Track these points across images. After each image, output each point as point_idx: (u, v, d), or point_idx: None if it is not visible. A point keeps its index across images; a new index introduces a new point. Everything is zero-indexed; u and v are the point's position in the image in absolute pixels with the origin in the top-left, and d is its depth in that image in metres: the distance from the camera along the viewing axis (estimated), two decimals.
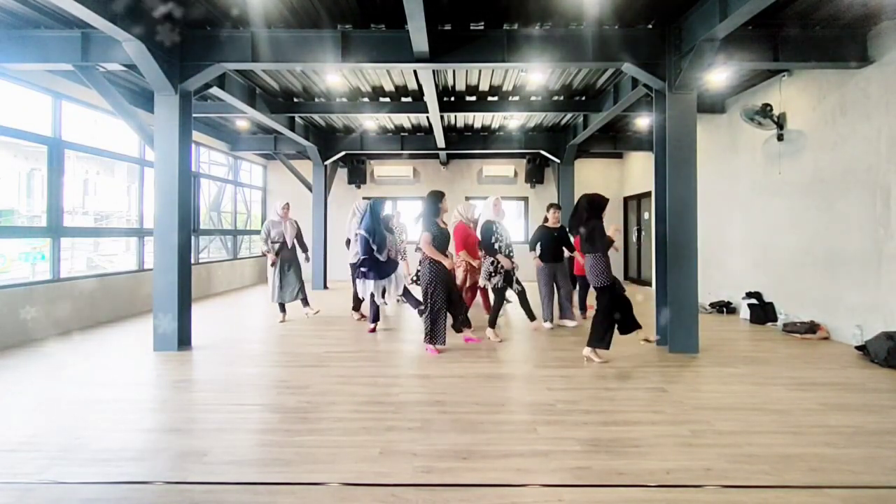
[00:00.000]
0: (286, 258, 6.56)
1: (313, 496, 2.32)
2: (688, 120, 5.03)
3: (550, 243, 6.17)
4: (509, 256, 5.52)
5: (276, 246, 6.50)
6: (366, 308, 6.63)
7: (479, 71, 6.56)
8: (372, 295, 5.70)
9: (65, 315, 6.03)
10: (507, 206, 10.57)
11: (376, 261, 5.56)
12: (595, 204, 4.56)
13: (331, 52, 5.12)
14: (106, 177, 11.77)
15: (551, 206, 6.40)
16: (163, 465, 2.63)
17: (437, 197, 5.04)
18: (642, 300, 8.64)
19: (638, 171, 11.48)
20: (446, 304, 4.96)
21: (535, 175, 12.05)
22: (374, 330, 5.94)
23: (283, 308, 6.65)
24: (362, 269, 5.57)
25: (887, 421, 3.25)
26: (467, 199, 12.35)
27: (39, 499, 2.30)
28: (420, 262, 5.23)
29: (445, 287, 4.93)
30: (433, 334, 4.92)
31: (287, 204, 6.70)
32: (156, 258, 5.12)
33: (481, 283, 5.72)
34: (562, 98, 7.75)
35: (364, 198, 12.25)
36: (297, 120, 8.95)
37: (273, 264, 6.48)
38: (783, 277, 6.54)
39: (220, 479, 2.46)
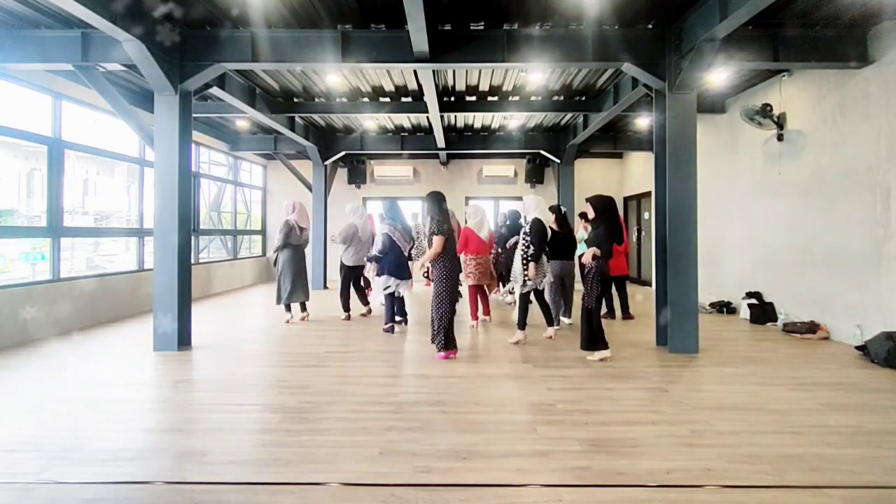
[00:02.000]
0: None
1: (313, 496, 2.32)
2: (688, 120, 5.03)
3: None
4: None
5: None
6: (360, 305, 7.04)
7: (479, 71, 6.56)
8: (392, 294, 5.90)
9: (65, 315, 6.02)
10: (506, 206, 10.62)
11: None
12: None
13: (331, 52, 5.12)
14: (106, 177, 11.75)
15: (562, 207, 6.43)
16: (163, 465, 2.63)
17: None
18: (642, 300, 8.64)
19: (638, 171, 11.49)
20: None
21: (535, 175, 12.04)
22: (392, 329, 6.01)
23: (304, 307, 6.67)
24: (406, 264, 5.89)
25: (887, 421, 3.26)
26: (468, 199, 12.35)
27: (39, 499, 2.30)
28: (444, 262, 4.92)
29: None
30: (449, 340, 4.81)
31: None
32: (156, 258, 5.12)
33: (524, 288, 5.41)
34: (562, 98, 7.75)
35: (364, 198, 12.33)
36: (297, 120, 8.95)
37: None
38: (783, 277, 6.54)
39: (220, 479, 2.46)
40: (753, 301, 6.80)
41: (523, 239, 5.36)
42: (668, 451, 2.77)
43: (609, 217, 4.64)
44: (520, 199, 12.43)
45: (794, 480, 2.46)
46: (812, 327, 5.74)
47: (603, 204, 4.67)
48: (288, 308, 6.53)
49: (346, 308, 6.88)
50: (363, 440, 2.92)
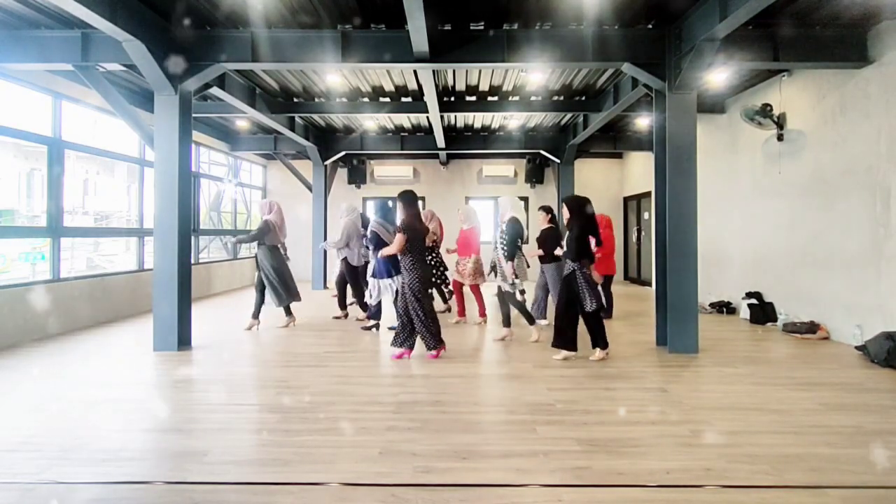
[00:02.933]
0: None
1: (313, 496, 2.32)
2: (688, 120, 5.03)
3: None
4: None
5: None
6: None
7: (479, 71, 6.56)
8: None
9: (65, 315, 6.03)
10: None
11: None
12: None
13: (331, 52, 5.12)
14: (106, 177, 11.76)
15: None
16: (163, 465, 2.63)
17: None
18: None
19: (638, 171, 11.49)
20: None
21: (535, 175, 12.05)
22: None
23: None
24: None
25: (887, 421, 3.26)
26: (468, 199, 12.35)
27: (39, 499, 2.30)
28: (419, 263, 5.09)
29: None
30: (437, 339, 4.76)
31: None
32: (156, 258, 5.12)
33: (513, 287, 5.43)
34: (562, 98, 7.75)
35: (364, 198, 12.33)
36: (297, 120, 8.95)
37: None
38: (783, 277, 6.53)
39: (220, 479, 2.46)
40: (753, 301, 6.80)
41: (501, 239, 5.40)
42: (668, 451, 2.77)
43: (583, 217, 4.60)
44: (521, 199, 12.50)
45: (794, 480, 2.46)
46: (812, 327, 5.73)
47: (577, 204, 4.66)
48: (289, 311, 6.28)
49: (365, 307, 6.63)
50: (363, 440, 2.92)
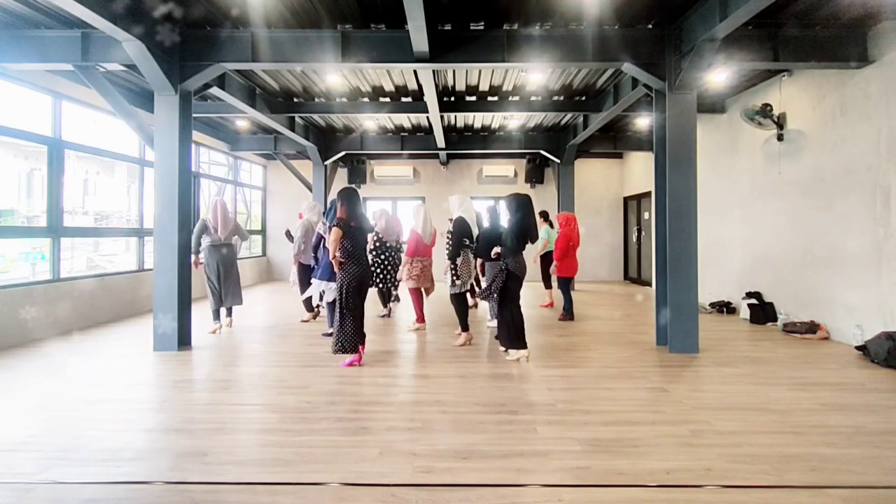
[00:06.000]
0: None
1: (313, 496, 2.32)
2: (688, 120, 5.03)
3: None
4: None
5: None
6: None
7: (479, 71, 6.56)
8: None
9: (65, 315, 6.02)
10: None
11: None
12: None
13: (331, 52, 5.12)
14: (106, 177, 11.74)
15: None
16: (163, 465, 2.63)
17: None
18: (642, 299, 8.66)
19: (638, 171, 11.49)
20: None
21: (535, 175, 12.05)
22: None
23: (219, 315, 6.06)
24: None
25: (887, 421, 3.25)
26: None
27: (39, 499, 2.30)
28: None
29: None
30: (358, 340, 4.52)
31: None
32: (156, 258, 5.12)
33: (454, 288, 5.39)
34: (562, 98, 7.75)
35: (364, 198, 12.30)
36: (297, 120, 8.96)
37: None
38: (783, 277, 6.53)
39: (220, 479, 2.46)
40: (753, 301, 6.80)
41: (447, 238, 5.40)
42: (668, 451, 2.77)
43: (519, 216, 4.63)
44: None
45: (794, 480, 2.46)
46: (812, 327, 5.73)
47: (515, 202, 4.68)
48: (218, 316, 6.06)
49: (310, 308, 6.73)
50: (363, 440, 2.92)
